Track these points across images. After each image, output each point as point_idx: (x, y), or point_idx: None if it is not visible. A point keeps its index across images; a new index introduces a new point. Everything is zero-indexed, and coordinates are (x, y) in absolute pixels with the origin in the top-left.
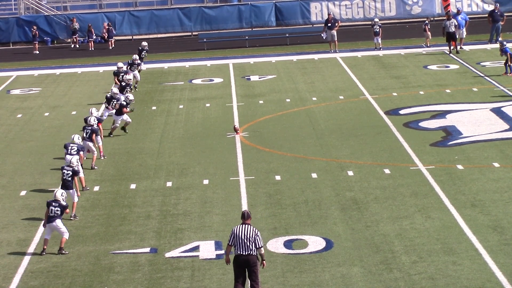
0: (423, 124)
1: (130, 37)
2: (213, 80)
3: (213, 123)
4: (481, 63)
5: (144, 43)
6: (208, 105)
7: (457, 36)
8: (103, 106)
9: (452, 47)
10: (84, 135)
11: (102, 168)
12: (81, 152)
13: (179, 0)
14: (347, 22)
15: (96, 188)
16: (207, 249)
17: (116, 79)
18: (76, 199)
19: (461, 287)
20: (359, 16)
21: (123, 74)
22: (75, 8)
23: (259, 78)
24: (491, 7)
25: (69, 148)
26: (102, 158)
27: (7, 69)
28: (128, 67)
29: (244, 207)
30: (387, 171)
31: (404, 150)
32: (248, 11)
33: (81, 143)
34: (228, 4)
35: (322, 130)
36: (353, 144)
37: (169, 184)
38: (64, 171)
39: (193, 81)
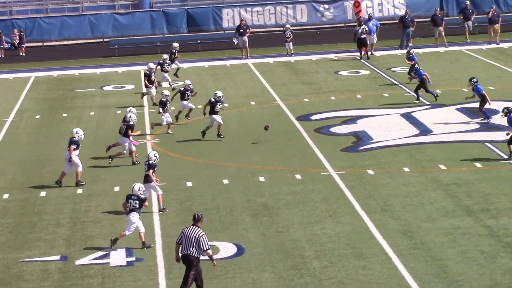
0: (334, 129)
1: (40, 44)
2: (124, 87)
3: None
4: (392, 69)
5: (175, 44)
6: (119, 111)
7: (368, 42)
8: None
9: (363, 53)
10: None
11: (12, 175)
12: (73, 146)
13: (90, 6)
14: (259, 28)
15: (6, 196)
16: (118, 256)
17: (146, 81)
18: (160, 191)
19: None
20: (271, 22)
21: (154, 74)
22: None
23: (171, 84)
24: (402, 13)
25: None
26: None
27: None
28: (160, 67)
29: (155, 213)
30: (298, 176)
31: (315, 156)
32: (160, 18)
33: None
34: (140, 10)
35: (233, 136)
36: (264, 150)
37: (79, 191)
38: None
39: (104, 88)
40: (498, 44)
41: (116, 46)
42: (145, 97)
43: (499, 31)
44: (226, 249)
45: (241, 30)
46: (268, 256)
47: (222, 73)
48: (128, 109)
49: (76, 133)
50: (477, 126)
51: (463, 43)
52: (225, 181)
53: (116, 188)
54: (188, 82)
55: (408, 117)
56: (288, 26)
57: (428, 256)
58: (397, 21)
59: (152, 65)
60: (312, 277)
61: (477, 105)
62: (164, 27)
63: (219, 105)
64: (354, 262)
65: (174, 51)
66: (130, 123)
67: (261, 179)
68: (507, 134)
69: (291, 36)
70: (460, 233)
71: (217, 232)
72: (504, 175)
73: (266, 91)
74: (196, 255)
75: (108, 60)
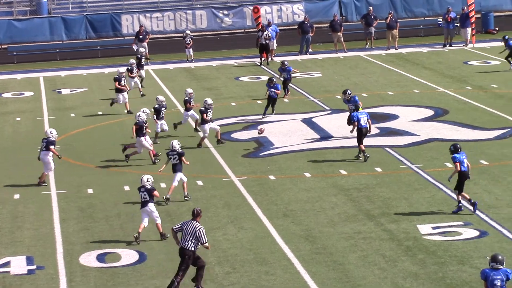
0: (235, 135)
1: None
2: (23, 94)
3: (24, 137)
4: (292, 75)
5: (142, 49)
6: (18, 119)
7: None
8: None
9: (263, 59)
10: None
11: None
12: (52, 146)
13: None
14: (159, 34)
15: None
16: (18, 265)
17: (117, 85)
18: (185, 179)
19: None
20: (171, 28)
21: (124, 78)
22: None
23: (71, 91)
24: (301, 19)
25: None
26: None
27: None
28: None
29: (56, 221)
30: (199, 182)
31: (216, 162)
32: (58, 24)
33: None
34: (38, 16)
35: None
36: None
37: None
38: (170, 156)
39: (2, 95)
40: (397, 49)
41: (15, 53)
42: (115, 105)
43: (397, 36)
44: (128, 256)
45: (141, 36)
46: (171, 262)
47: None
48: (142, 109)
49: (51, 133)
50: (377, 131)
51: (363, 49)
52: (126, 188)
53: (16, 196)
54: (161, 98)
55: (309, 122)
56: (188, 32)
57: (330, 261)
58: (296, 27)
59: (121, 70)
60: (214, 283)
61: (376, 110)
62: (63, 33)
63: (210, 111)
64: (256, 267)
65: (140, 56)
66: (138, 121)
67: (163, 185)
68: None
69: (191, 42)
70: (362, 238)
71: (119, 239)
72: (403, 179)
73: (166, 97)
74: (192, 249)
75: (7, 67)
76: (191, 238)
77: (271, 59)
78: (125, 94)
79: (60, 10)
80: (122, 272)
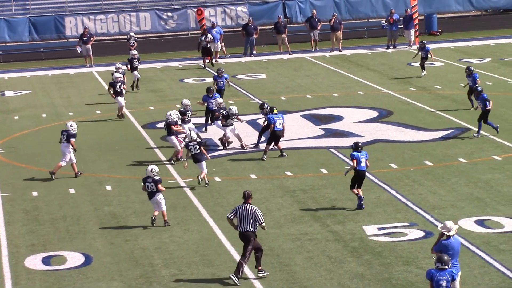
0: (181, 137)
1: None
2: None
3: None
4: (236, 76)
5: (134, 52)
6: None
7: (212, 50)
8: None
9: (207, 61)
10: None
11: None
12: (72, 139)
13: None
14: (102, 36)
15: None
16: None
17: (111, 91)
18: (205, 170)
19: None
20: (115, 30)
21: (119, 84)
22: None
23: (14, 93)
24: (245, 21)
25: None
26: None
27: None
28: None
29: (1, 224)
30: None
31: (162, 164)
32: (1, 26)
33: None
34: None
35: (79, 145)
36: (111, 158)
37: None
38: (190, 147)
39: None
40: (341, 51)
41: None
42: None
43: (341, 38)
44: (74, 258)
45: (85, 38)
46: (117, 265)
47: (66, 82)
48: (173, 111)
49: (71, 126)
50: (322, 132)
51: (307, 51)
52: (72, 190)
53: None
54: (186, 102)
55: (254, 124)
56: (132, 34)
57: (276, 262)
58: (240, 29)
59: (117, 74)
60: (161, 286)
61: (321, 111)
62: (6, 35)
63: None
64: (203, 269)
65: (131, 58)
66: (169, 120)
67: (108, 187)
68: None
69: (135, 44)
70: (308, 239)
71: (65, 242)
72: (349, 180)
73: (111, 99)
74: (253, 231)
75: None
76: (250, 221)
77: (216, 61)
78: (122, 98)
79: (3, 12)
80: (68, 275)
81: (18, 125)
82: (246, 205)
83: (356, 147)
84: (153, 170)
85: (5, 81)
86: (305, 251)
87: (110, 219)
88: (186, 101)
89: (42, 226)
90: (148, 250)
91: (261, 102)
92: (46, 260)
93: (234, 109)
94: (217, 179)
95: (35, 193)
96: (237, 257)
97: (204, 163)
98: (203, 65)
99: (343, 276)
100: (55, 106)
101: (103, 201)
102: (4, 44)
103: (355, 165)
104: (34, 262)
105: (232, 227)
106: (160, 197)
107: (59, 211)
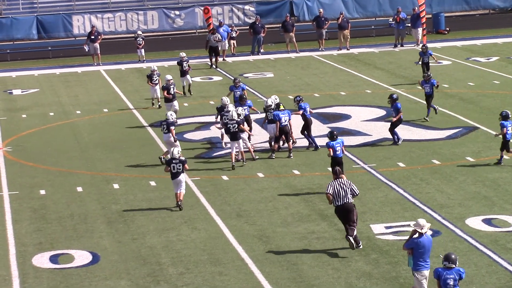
0: (188, 135)
1: None
2: None
3: None
4: (244, 75)
5: (182, 53)
6: None
7: (220, 48)
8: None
9: (214, 60)
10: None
11: None
12: (172, 127)
13: None
14: (110, 34)
15: None
16: None
17: (165, 94)
18: (241, 148)
19: None
20: (122, 28)
21: (172, 86)
22: None
23: (22, 92)
24: (252, 20)
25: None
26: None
27: None
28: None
29: (9, 222)
30: (152, 183)
31: None
32: (9, 24)
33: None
34: None
35: (86, 144)
36: (118, 157)
37: None
38: (229, 125)
39: None
40: (348, 49)
41: None
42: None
43: (349, 36)
44: (81, 257)
45: (92, 37)
46: (124, 263)
47: (73, 80)
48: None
49: (171, 115)
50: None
51: (315, 49)
52: (79, 189)
53: None
54: (225, 99)
55: (259, 122)
56: (139, 32)
57: (284, 261)
58: (247, 28)
59: (169, 76)
60: (168, 284)
61: (328, 110)
62: (14, 33)
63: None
64: (210, 268)
65: (180, 61)
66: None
67: (116, 186)
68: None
69: (143, 43)
70: (315, 238)
71: (72, 241)
72: (356, 179)
73: (118, 98)
74: (352, 202)
75: None
76: (348, 193)
77: (223, 59)
78: (174, 102)
79: (11, 11)
80: (76, 273)
81: (25, 123)
82: (341, 180)
83: (332, 136)
84: (179, 152)
85: (13, 80)
86: (312, 249)
87: (117, 218)
88: (225, 98)
89: (49, 224)
90: (155, 248)
91: (293, 97)
92: (53, 259)
93: (271, 101)
94: (225, 177)
95: (42, 192)
96: (245, 256)
97: (241, 141)
98: (210, 64)
99: (350, 275)
100: (62, 104)
101: (111, 199)
102: (12, 43)
103: (331, 153)
104: (41, 260)
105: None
106: (183, 177)
107: (66, 210)
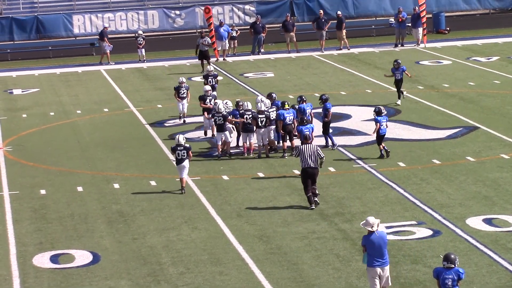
0: (189, 135)
1: None
2: None
3: None
4: (244, 74)
5: (210, 67)
6: None
7: (220, 48)
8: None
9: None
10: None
11: None
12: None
13: None
14: (111, 34)
15: None
16: None
17: (202, 104)
18: (229, 139)
19: None
20: (123, 28)
21: (209, 97)
22: None
23: (22, 91)
24: (253, 19)
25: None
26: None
27: None
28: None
29: (9, 222)
30: (153, 183)
31: (169, 162)
32: (9, 24)
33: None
34: None
35: (87, 143)
36: (118, 156)
37: None
38: (215, 117)
39: None
40: (349, 49)
41: None
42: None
43: (344, 37)
44: (82, 257)
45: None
46: (125, 263)
47: (74, 80)
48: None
49: (226, 104)
50: (330, 130)
51: (315, 49)
52: (79, 189)
53: None
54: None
55: None
56: (140, 32)
57: (284, 261)
58: (248, 27)
59: (207, 87)
60: (169, 284)
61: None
62: (14, 33)
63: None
64: (211, 268)
65: (207, 74)
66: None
67: (116, 186)
68: None
69: (143, 42)
70: (316, 237)
71: (73, 240)
72: (357, 179)
73: (119, 97)
74: (317, 166)
75: None
76: (314, 157)
77: (224, 59)
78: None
79: (11, 11)
80: (76, 273)
81: (26, 123)
82: (308, 145)
83: (302, 122)
84: (184, 139)
85: (13, 79)
86: (313, 249)
87: (117, 217)
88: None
89: (50, 224)
90: (155, 248)
91: (320, 95)
92: (54, 259)
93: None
94: (225, 177)
95: (43, 191)
96: (245, 255)
97: (227, 133)
98: (202, 69)
99: (351, 274)
100: (63, 104)
101: (111, 199)
102: (12, 42)
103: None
104: (42, 260)
105: None
106: (187, 163)
107: (66, 209)
